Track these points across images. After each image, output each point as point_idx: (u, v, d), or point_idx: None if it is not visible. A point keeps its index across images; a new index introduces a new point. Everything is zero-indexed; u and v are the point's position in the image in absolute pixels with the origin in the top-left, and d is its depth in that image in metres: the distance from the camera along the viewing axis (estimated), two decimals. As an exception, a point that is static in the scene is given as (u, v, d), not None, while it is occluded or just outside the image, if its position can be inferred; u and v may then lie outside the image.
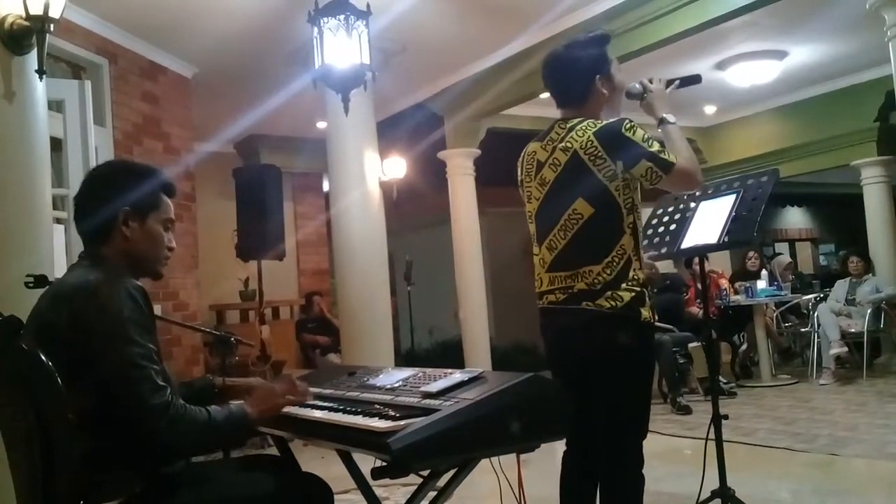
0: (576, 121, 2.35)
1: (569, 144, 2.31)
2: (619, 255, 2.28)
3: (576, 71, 2.41)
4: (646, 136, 2.31)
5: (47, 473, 1.59)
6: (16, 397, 1.64)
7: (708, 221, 2.93)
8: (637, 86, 2.56)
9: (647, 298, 2.31)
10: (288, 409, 1.91)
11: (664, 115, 2.49)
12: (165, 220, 1.95)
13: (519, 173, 2.55)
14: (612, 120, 2.33)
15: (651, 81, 2.55)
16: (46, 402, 1.58)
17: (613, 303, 2.25)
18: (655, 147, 2.30)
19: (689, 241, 2.95)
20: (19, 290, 2.49)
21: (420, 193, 8.37)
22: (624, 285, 2.27)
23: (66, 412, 1.59)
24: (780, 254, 11.93)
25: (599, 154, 2.27)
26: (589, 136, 2.28)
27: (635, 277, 2.29)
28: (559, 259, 2.35)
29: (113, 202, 1.86)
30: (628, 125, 2.30)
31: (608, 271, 2.27)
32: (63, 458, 1.59)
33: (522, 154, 2.53)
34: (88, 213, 1.88)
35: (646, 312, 2.29)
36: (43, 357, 1.58)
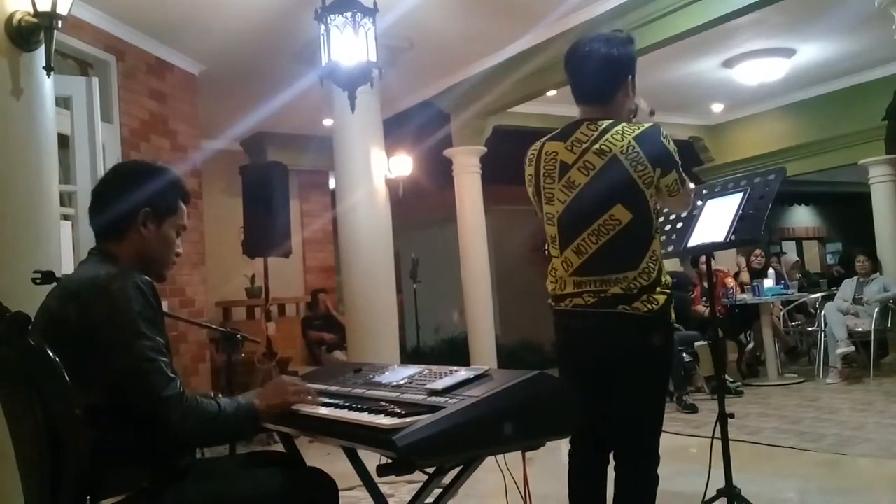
0: (607, 123, 2.30)
1: (605, 148, 2.25)
2: (653, 261, 2.29)
3: (611, 68, 2.36)
4: (676, 149, 2.32)
5: (55, 468, 1.59)
6: (24, 393, 1.65)
7: (715, 220, 2.92)
8: (645, 104, 2.51)
9: (673, 301, 2.34)
10: (294, 406, 1.92)
11: None
12: (179, 227, 1.97)
13: (531, 172, 2.44)
14: (647, 125, 2.30)
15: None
16: (54, 397, 1.59)
17: (650, 306, 2.25)
18: (679, 159, 2.32)
19: (695, 240, 2.94)
20: (27, 287, 2.50)
21: (426, 191, 8.37)
22: (658, 289, 2.28)
23: (73, 408, 1.60)
24: (785, 252, 11.91)
25: (641, 160, 2.24)
26: (629, 141, 2.24)
27: (666, 281, 2.31)
28: (589, 264, 2.30)
29: (135, 201, 1.87)
30: (664, 133, 2.29)
31: (644, 277, 2.26)
32: (70, 453, 1.60)
33: (537, 152, 2.43)
34: (107, 208, 1.89)
35: (673, 314, 2.34)
36: (50, 353, 1.59)
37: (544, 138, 2.45)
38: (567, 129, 2.38)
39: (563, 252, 2.35)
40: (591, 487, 2.44)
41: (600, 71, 2.36)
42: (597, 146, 2.27)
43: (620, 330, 2.27)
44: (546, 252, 2.47)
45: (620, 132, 2.27)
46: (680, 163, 2.32)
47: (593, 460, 2.44)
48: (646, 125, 2.30)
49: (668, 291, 2.30)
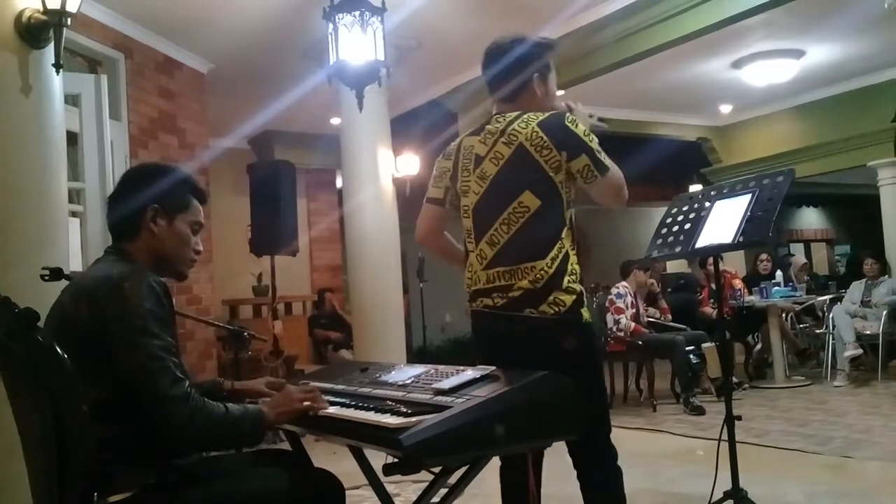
0: (514, 114, 2.35)
1: (512, 137, 2.29)
2: (559, 249, 2.25)
3: (516, 65, 2.41)
4: (587, 132, 2.30)
5: (62, 465, 1.60)
6: (32, 389, 1.66)
7: (723, 221, 2.91)
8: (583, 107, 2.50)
9: (584, 299, 2.29)
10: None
11: None
12: (193, 223, 1.99)
13: (447, 166, 2.48)
14: (553, 112, 2.34)
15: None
16: (62, 394, 1.60)
17: (557, 308, 2.21)
18: (595, 145, 2.29)
19: (703, 241, 2.93)
20: (35, 283, 2.51)
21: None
22: (566, 280, 2.23)
23: (80, 404, 1.60)
24: (794, 254, 11.87)
25: (545, 144, 2.25)
26: (533, 127, 2.27)
27: (574, 271, 2.26)
28: (501, 254, 2.28)
29: (143, 199, 1.90)
30: (570, 118, 2.30)
31: (550, 266, 2.23)
32: (77, 449, 1.60)
33: (455, 148, 2.48)
34: (119, 208, 1.93)
35: (586, 314, 2.28)
36: (58, 349, 1.60)
37: (463, 134, 2.50)
38: (482, 123, 2.43)
39: (478, 244, 2.35)
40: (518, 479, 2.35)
41: (505, 66, 2.42)
42: (504, 136, 2.31)
43: (529, 336, 2.22)
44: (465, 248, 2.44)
45: (525, 120, 2.30)
46: (596, 149, 2.28)
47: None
48: (545, 114, 2.32)
49: (576, 290, 2.25)
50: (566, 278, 2.24)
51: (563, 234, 2.28)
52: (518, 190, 2.26)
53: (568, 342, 2.22)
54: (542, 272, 2.22)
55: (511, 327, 2.25)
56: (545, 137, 2.25)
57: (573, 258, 2.29)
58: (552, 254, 2.24)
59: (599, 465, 2.33)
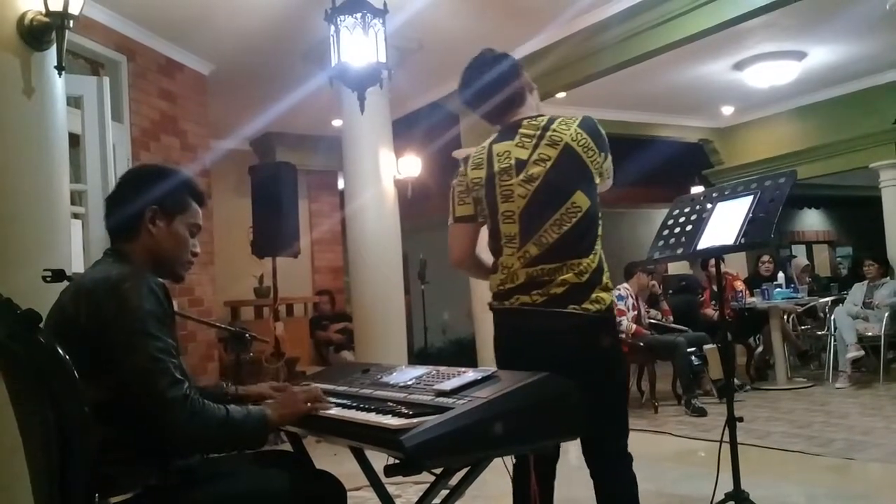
0: (545, 116, 2.37)
1: (557, 138, 2.30)
2: (599, 247, 2.32)
3: (507, 78, 2.46)
4: None
5: (63, 466, 1.60)
6: (33, 390, 1.66)
7: (725, 222, 2.91)
8: None
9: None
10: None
11: None
12: (192, 225, 1.99)
13: (480, 175, 2.39)
14: (579, 116, 2.37)
15: None
16: (63, 394, 1.60)
17: (598, 306, 2.25)
18: None
19: (705, 242, 2.93)
20: (37, 285, 2.51)
21: (435, 192, 8.36)
22: (604, 277, 2.30)
23: (82, 405, 1.60)
24: (795, 256, 11.86)
25: (590, 146, 2.30)
26: (575, 129, 2.31)
27: (607, 270, 2.34)
28: (548, 253, 2.27)
29: (141, 200, 1.91)
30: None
31: (594, 261, 2.28)
32: (79, 450, 1.60)
33: (485, 157, 2.40)
34: (117, 209, 1.93)
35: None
36: (60, 350, 1.60)
37: (486, 142, 2.45)
38: (507, 130, 2.41)
39: (524, 246, 2.31)
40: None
41: (501, 87, 2.44)
42: (547, 138, 2.31)
43: (570, 332, 2.23)
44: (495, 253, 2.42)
45: (564, 122, 2.33)
46: None
47: (545, 474, 2.36)
48: (577, 116, 2.36)
49: (610, 287, 2.33)
50: (604, 275, 2.31)
51: (600, 233, 2.34)
52: (570, 190, 2.28)
53: (605, 340, 2.29)
54: (587, 266, 2.26)
55: (552, 323, 2.24)
56: (588, 138, 2.30)
57: (603, 257, 2.35)
58: (595, 250, 2.30)
59: (619, 468, 2.32)
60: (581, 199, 2.28)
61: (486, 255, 2.50)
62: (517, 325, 2.34)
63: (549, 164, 2.29)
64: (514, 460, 2.25)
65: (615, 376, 2.37)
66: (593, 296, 2.25)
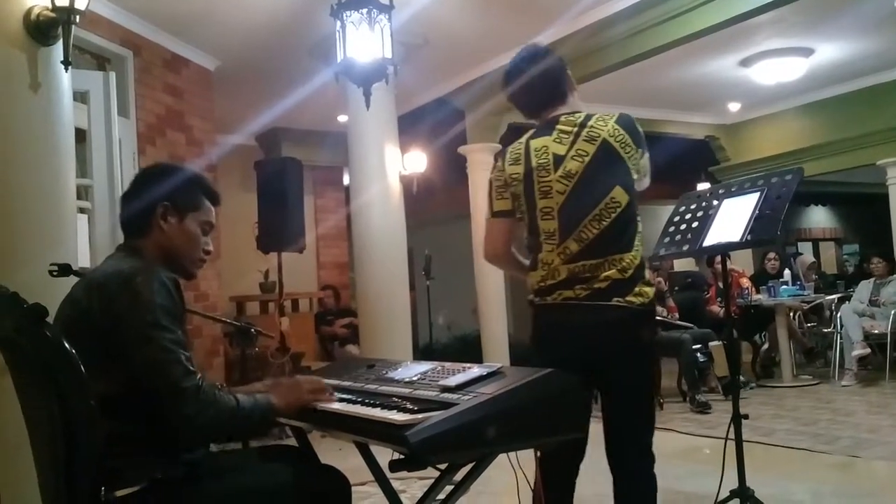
0: (582, 113, 2.37)
1: (594, 134, 2.30)
2: (640, 243, 2.32)
3: (552, 75, 2.47)
4: None
5: (69, 459, 1.60)
6: (40, 384, 1.66)
7: (731, 219, 2.90)
8: None
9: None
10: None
11: None
12: (204, 223, 2.01)
13: (518, 171, 2.37)
14: (622, 112, 2.39)
15: None
16: (69, 388, 1.60)
17: (642, 299, 2.25)
18: None
19: (711, 239, 2.92)
20: (44, 279, 2.52)
21: (440, 188, 8.37)
22: (646, 273, 2.31)
23: (88, 399, 1.60)
24: (802, 253, 11.83)
25: (627, 142, 2.30)
26: (613, 125, 2.31)
27: (647, 265, 2.37)
28: (589, 248, 2.26)
29: (154, 197, 1.92)
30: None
31: (636, 257, 2.28)
32: (85, 444, 1.60)
33: (522, 152, 2.38)
34: (130, 205, 1.95)
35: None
36: (66, 344, 1.60)
37: (524, 137, 2.43)
38: (544, 126, 2.41)
39: (563, 242, 2.29)
40: (561, 498, 2.38)
41: (547, 81, 2.46)
42: (584, 134, 2.31)
43: (616, 325, 2.24)
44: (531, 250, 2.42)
45: (601, 118, 2.33)
46: None
47: (568, 470, 2.39)
48: (614, 113, 2.37)
49: (651, 283, 2.34)
50: (645, 271, 2.32)
51: (640, 229, 2.33)
52: (609, 186, 2.28)
53: (647, 334, 2.32)
54: (630, 262, 2.26)
55: (597, 317, 2.24)
56: (625, 135, 2.30)
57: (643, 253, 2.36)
58: (636, 246, 2.30)
59: (642, 466, 2.33)
60: (620, 195, 2.27)
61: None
62: (560, 320, 2.34)
63: (586, 159, 2.29)
64: (537, 454, 2.25)
65: (649, 369, 2.43)
66: (637, 289, 2.25)
